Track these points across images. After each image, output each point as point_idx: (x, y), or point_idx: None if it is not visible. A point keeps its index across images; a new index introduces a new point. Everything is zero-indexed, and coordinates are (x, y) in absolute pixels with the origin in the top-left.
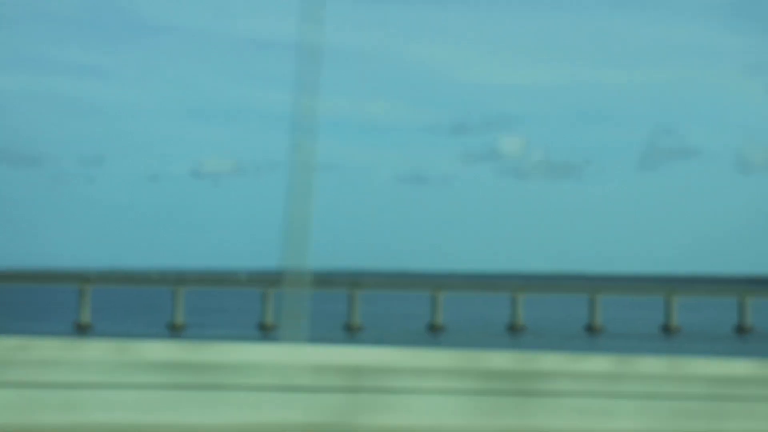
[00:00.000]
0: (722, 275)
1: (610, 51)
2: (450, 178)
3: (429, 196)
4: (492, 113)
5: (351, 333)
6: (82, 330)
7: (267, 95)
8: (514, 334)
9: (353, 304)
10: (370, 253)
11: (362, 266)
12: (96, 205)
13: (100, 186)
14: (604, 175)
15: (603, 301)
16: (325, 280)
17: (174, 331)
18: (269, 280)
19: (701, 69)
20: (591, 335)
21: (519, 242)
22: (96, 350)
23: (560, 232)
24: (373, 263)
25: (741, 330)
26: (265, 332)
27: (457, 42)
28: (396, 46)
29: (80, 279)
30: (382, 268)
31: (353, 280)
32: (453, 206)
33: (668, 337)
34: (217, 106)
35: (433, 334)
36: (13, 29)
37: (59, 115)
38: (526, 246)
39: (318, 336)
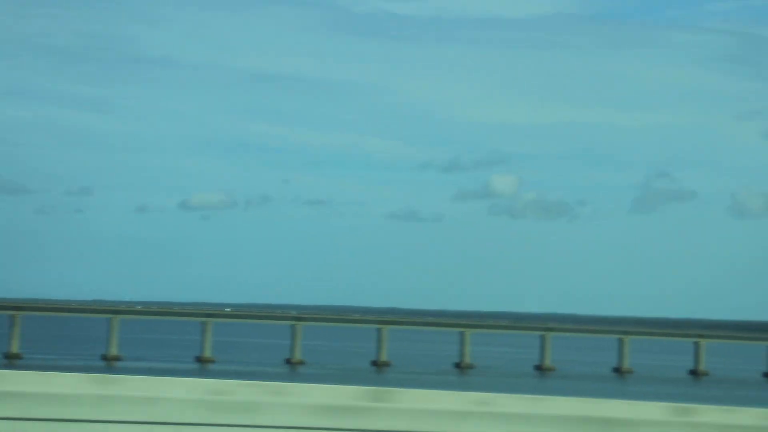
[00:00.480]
0: (713, 320)
1: (608, 93)
2: (442, 215)
3: (422, 233)
4: (486, 152)
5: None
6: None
7: (263, 129)
8: (462, 372)
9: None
10: (364, 291)
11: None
12: (82, 236)
13: (88, 216)
14: (598, 216)
15: (553, 340)
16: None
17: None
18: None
19: (697, 113)
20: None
21: (510, 282)
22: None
23: (551, 272)
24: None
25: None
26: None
27: (454, 80)
28: (394, 84)
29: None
30: (372, 305)
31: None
32: (445, 244)
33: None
34: (213, 139)
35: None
36: (11, 60)
37: (54, 146)
38: (519, 286)
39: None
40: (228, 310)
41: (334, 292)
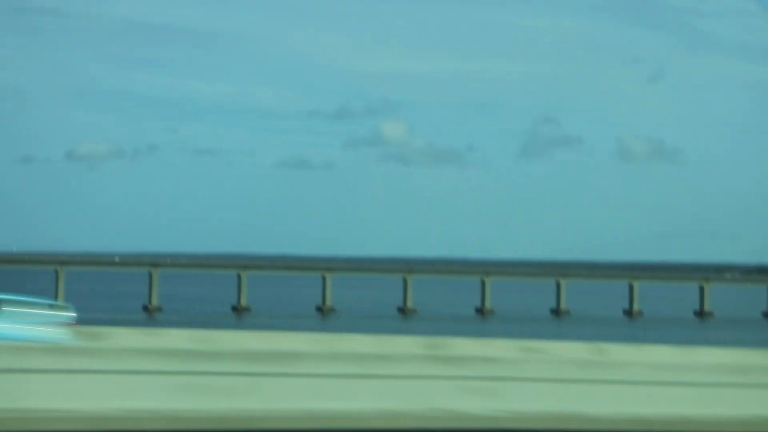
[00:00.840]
0: (606, 261)
1: (495, 42)
2: (333, 163)
3: (312, 181)
4: (374, 100)
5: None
6: None
7: (148, 79)
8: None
9: (241, 287)
10: (255, 238)
11: (249, 250)
12: None
13: None
14: (487, 162)
15: (493, 284)
16: (208, 264)
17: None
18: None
19: (583, 62)
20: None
21: (403, 228)
22: None
23: (443, 217)
24: (258, 248)
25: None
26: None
27: (342, 30)
28: (281, 33)
29: None
30: (266, 252)
31: (241, 264)
32: (336, 191)
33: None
34: (97, 89)
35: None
36: None
37: None
38: (410, 231)
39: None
40: (117, 259)
41: (225, 241)
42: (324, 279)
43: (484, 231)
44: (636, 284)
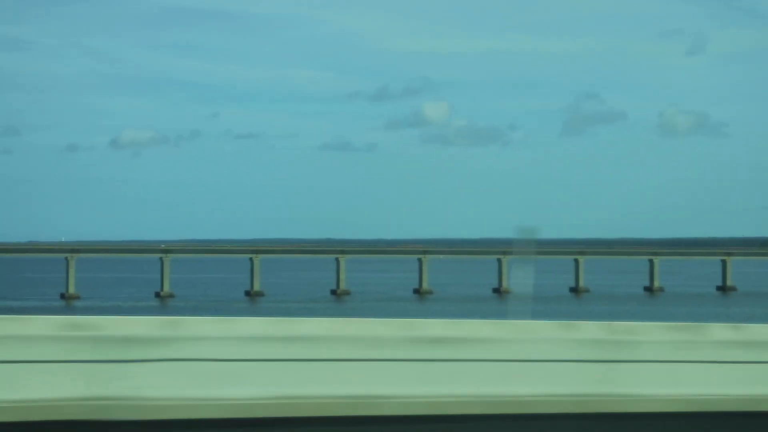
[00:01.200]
0: (634, 238)
1: (533, 19)
2: (375, 144)
3: (353, 163)
4: (414, 80)
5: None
6: None
7: (189, 64)
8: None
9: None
10: (298, 223)
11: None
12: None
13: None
14: (529, 140)
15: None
16: (220, 249)
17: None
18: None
19: (620, 35)
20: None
21: (443, 209)
22: None
23: (486, 197)
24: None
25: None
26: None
27: (379, 10)
28: (318, 15)
29: None
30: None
31: (253, 248)
32: (378, 173)
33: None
34: (138, 76)
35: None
36: None
37: None
38: (453, 213)
39: None
40: (163, 246)
41: (272, 226)
42: (338, 262)
43: (521, 211)
44: (656, 260)
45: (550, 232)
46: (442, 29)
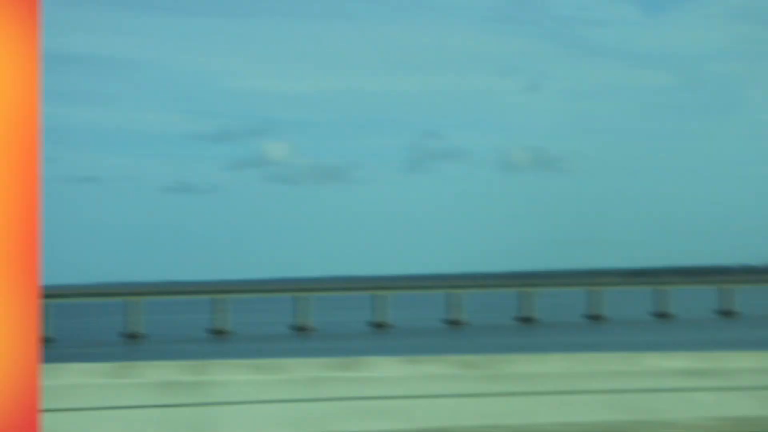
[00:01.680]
0: (497, 271)
1: (377, 59)
2: (217, 185)
3: (195, 204)
4: (257, 120)
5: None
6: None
7: None
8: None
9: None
10: (141, 266)
11: (136, 278)
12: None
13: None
14: (372, 177)
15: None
16: (96, 292)
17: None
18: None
19: (465, 74)
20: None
21: (291, 247)
22: None
23: (330, 235)
24: (146, 276)
25: (525, 320)
26: None
27: (223, 51)
28: (162, 56)
29: None
30: (156, 279)
31: (131, 291)
32: (222, 213)
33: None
34: None
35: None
36: None
37: None
38: (299, 251)
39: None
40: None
41: (109, 270)
42: (213, 302)
43: (372, 248)
44: (527, 291)
45: (395, 268)
46: (288, 69)
